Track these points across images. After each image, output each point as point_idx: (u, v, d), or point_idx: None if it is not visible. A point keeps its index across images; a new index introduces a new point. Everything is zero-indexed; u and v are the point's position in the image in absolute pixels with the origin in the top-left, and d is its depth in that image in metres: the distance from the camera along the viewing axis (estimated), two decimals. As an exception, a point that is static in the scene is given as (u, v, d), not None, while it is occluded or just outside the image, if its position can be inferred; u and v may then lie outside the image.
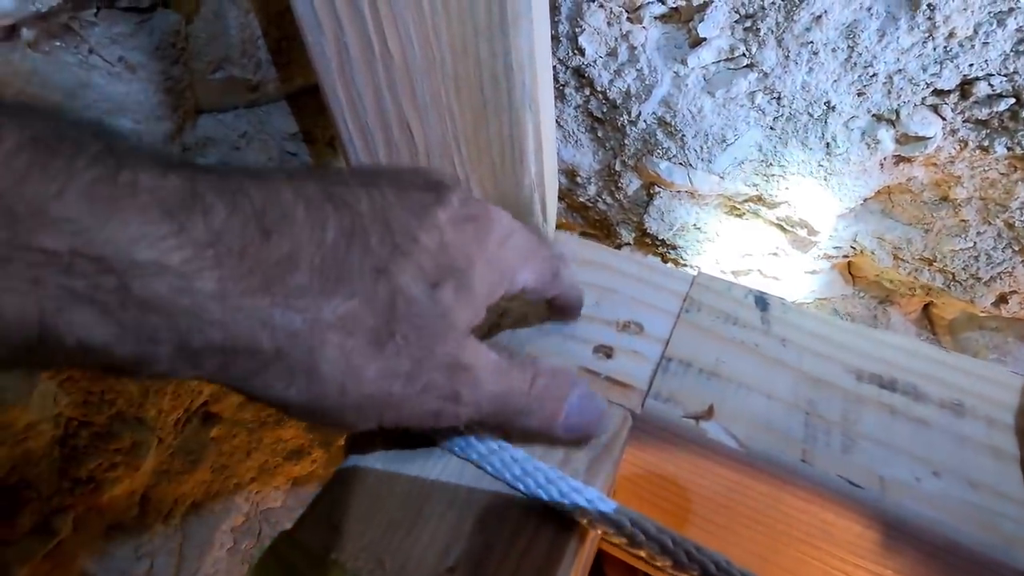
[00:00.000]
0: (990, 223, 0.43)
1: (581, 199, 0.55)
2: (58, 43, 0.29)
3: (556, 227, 0.51)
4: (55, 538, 0.39)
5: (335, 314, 0.18)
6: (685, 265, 0.55)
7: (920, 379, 0.28)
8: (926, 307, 0.58)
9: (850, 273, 0.57)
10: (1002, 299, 0.47)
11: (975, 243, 0.44)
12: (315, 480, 0.65)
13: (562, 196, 0.57)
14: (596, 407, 0.24)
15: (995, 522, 0.23)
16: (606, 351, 0.29)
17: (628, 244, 0.58)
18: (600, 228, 0.59)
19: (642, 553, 0.21)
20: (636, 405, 0.27)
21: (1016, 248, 0.43)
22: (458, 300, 0.21)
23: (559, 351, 0.29)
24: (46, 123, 0.15)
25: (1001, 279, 0.45)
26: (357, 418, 0.20)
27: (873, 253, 0.50)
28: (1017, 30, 0.33)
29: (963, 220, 0.44)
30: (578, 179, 0.53)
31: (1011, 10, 0.32)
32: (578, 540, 0.22)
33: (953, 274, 0.47)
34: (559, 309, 0.29)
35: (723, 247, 0.53)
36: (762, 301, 0.32)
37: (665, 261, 0.56)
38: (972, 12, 0.33)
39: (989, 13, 0.33)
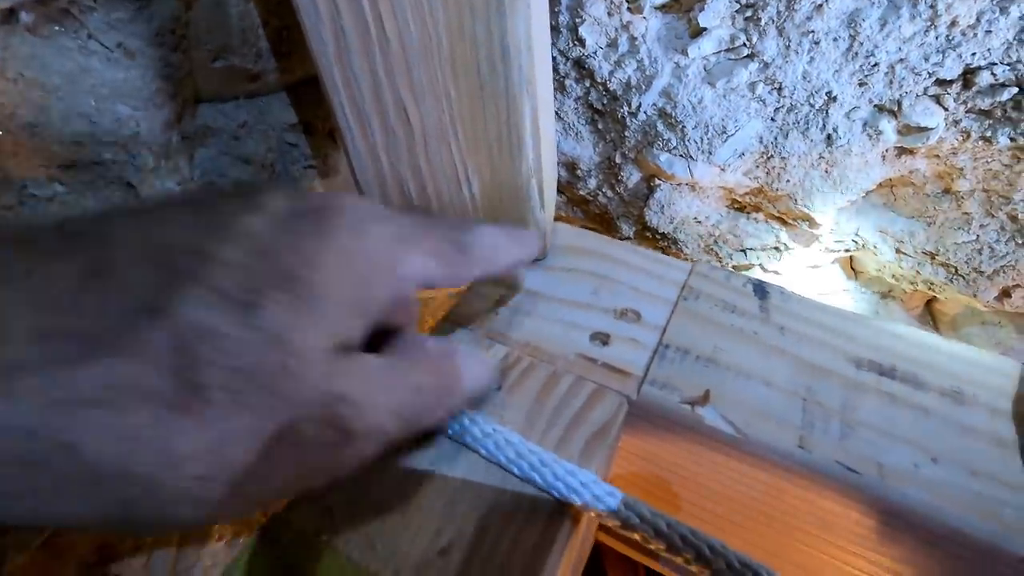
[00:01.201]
0: (993, 216, 0.42)
1: (581, 192, 0.55)
2: (57, 28, 0.29)
3: (556, 220, 0.51)
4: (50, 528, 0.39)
5: (96, 386, 0.13)
6: (686, 259, 0.55)
7: (920, 367, 0.27)
8: (928, 303, 0.57)
9: (852, 268, 0.56)
10: (1005, 293, 0.46)
11: (978, 236, 0.44)
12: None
13: (562, 190, 0.57)
14: (486, 366, 0.22)
15: (995, 509, 0.22)
16: (603, 338, 0.29)
17: (629, 238, 0.58)
18: (600, 222, 0.58)
19: (636, 536, 0.21)
20: (632, 391, 0.27)
21: (1020, 241, 0.42)
22: (297, 315, 0.15)
23: (556, 338, 0.29)
24: None
25: (1004, 272, 0.44)
26: (196, 513, 0.14)
27: (875, 247, 0.49)
28: (1020, 18, 0.33)
29: (966, 213, 0.43)
30: (578, 172, 0.53)
31: (1014, -3, 0.32)
32: (572, 523, 0.22)
33: (956, 268, 0.47)
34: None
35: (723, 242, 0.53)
36: (761, 289, 0.31)
37: (666, 255, 0.56)
38: (975, 0, 0.33)
39: (992, 1, 0.33)
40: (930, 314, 0.58)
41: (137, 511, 0.14)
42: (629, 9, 0.41)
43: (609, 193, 0.53)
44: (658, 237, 0.54)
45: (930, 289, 0.51)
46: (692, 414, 0.26)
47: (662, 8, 0.41)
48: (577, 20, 0.42)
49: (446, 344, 0.21)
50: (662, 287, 0.32)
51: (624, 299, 0.31)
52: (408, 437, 0.19)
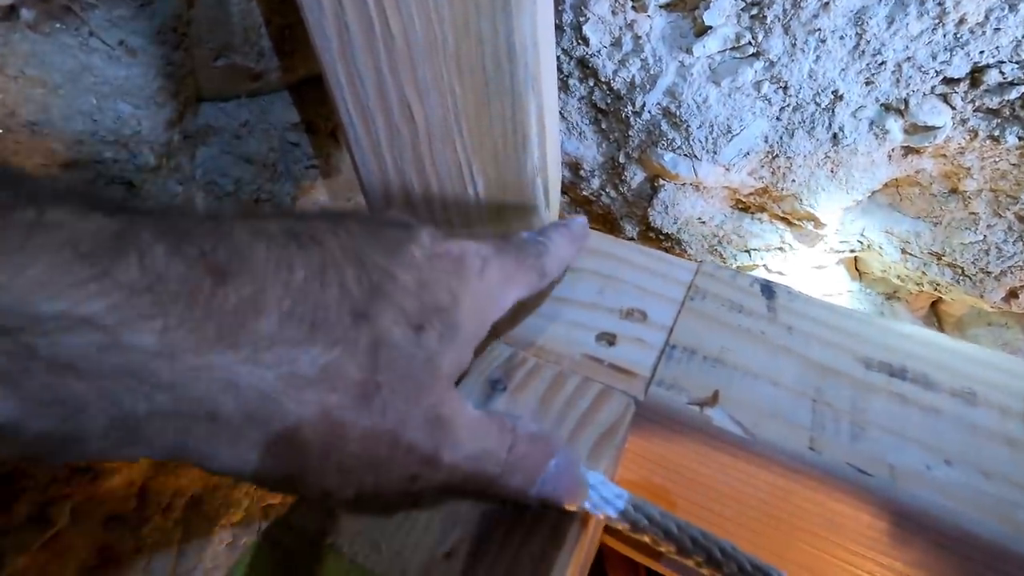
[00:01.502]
0: (1001, 216, 0.42)
1: (585, 193, 0.54)
2: (58, 24, 0.29)
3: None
4: (52, 528, 0.38)
5: (315, 367, 0.16)
6: (690, 259, 0.55)
7: (931, 367, 0.27)
8: (934, 304, 0.57)
9: (856, 269, 0.56)
10: (1012, 294, 0.46)
11: (985, 236, 0.43)
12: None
13: (565, 190, 0.56)
14: (573, 479, 0.21)
15: (1009, 511, 0.22)
16: (609, 338, 0.29)
17: (632, 239, 0.57)
18: (604, 223, 0.58)
19: (646, 539, 0.21)
20: (639, 392, 0.26)
21: (1027, 241, 0.42)
22: (443, 344, 0.19)
23: (563, 339, 0.29)
24: None
25: (1012, 273, 0.44)
26: (338, 485, 0.17)
27: (881, 247, 0.49)
28: (1029, 15, 0.32)
29: (973, 213, 0.43)
30: (582, 172, 0.52)
31: (1023, -5, 0.32)
32: (579, 527, 0.22)
33: (962, 268, 0.46)
34: None
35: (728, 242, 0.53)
36: (768, 289, 0.31)
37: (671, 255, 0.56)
38: (983, -3, 0.33)
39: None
40: (936, 315, 0.57)
41: (305, 476, 0.17)
42: (633, 8, 0.41)
43: (612, 193, 0.53)
44: (662, 237, 0.54)
45: (936, 290, 0.51)
46: (700, 415, 0.25)
47: (667, 6, 0.41)
48: (581, 19, 0.42)
49: (543, 437, 0.22)
50: (668, 287, 0.32)
51: (630, 299, 0.31)
52: (466, 492, 0.21)
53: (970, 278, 0.46)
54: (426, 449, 0.18)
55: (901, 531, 0.23)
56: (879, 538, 0.24)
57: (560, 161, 0.46)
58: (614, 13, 0.41)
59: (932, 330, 0.29)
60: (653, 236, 0.54)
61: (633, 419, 0.26)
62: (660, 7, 0.41)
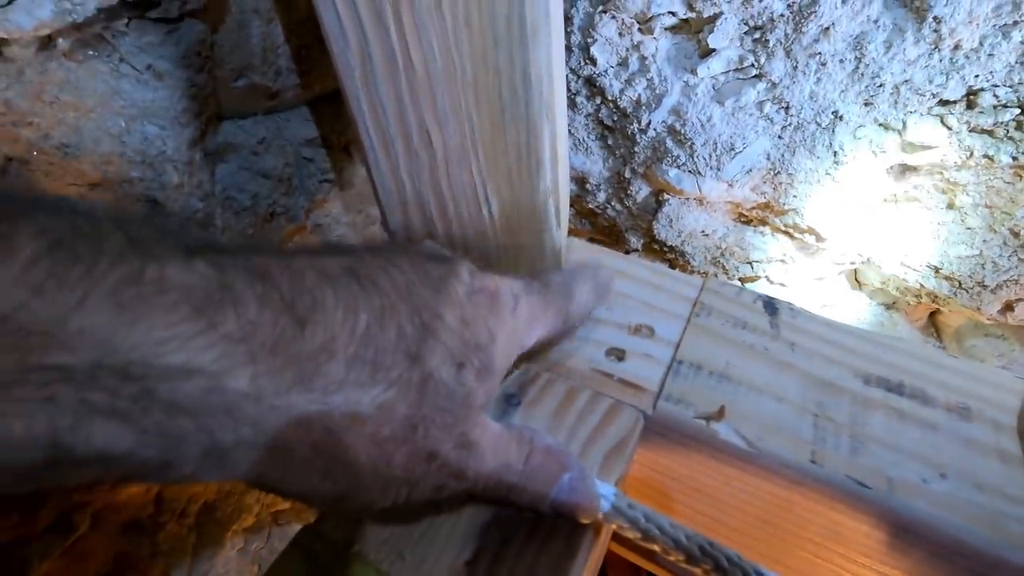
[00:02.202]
0: (996, 231, 0.43)
1: (590, 205, 0.56)
2: (91, 52, 0.30)
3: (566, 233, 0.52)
4: (74, 534, 0.40)
5: (373, 405, 0.18)
6: (693, 272, 0.56)
7: (928, 383, 0.28)
8: (932, 315, 0.58)
9: (856, 280, 0.57)
10: (1008, 307, 0.47)
11: (981, 251, 0.45)
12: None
13: (572, 203, 0.58)
14: (587, 491, 0.23)
15: (1001, 522, 0.23)
16: (618, 354, 0.30)
17: (636, 250, 0.58)
18: (609, 234, 0.59)
19: (656, 547, 0.22)
20: (648, 406, 0.28)
21: (1022, 256, 0.43)
22: (480, 380, 0.20)
23: (574, 354, 0.30)
24: (62, 221, 0.14)
25: (1007, 287, 0.45)
26: (380, 498, 0.19)
27: (880, 260, 0.50)
28: (1022, 42, 0.34)
29: (969, 228, 0.44)
30: (588, 186, 0.54)
31: (1016, 23, 0.33)
32: (592, 537, 0.23)
33: (959, 281, 0.47)
34: None
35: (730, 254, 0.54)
36: (771, 306, 0.32)
37: (673, 267, 0.57)
38: (977, 25, 0.34)
39: (994, 26, 0.34)
40: (934, 326, 0.58)
41: (357, 495, 0.18)
42: (640, 30, 0.42)
43: (618, 207, 0.54)
44: (666, 249, 0.55)
45: (934, 302, 0.52)
46: (707, 429, 0.26)
47: (672, 29, 0.42)
48: (589, 40, 0.43)
49: (557, 452, 0.23)
50: (674, 303, 0.33)
51: (637, 315, 0.32)
52: (487, 501, 0.22)
53: (967, 291, 0.48)
54: (455, 466, 0.20)
55: (898, 541, 0.24)
56: (877, 547, 0.25)
57: (569, 181, 0.47)
58: (621, 35, 0.43)
59: (929, 346, 0.30)
60: (657, 248, 0.56)
61: (642, 432, 0.27)
62: (666, 29, 0.42)
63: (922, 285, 0.50)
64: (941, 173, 0.42)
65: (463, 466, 0.20)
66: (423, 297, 0.19)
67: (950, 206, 0.44)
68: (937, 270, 0.48)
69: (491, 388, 0.21)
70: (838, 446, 0.26)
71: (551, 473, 0.22)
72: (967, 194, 0.42)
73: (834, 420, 0.27)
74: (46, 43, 0.29)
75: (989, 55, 0.35)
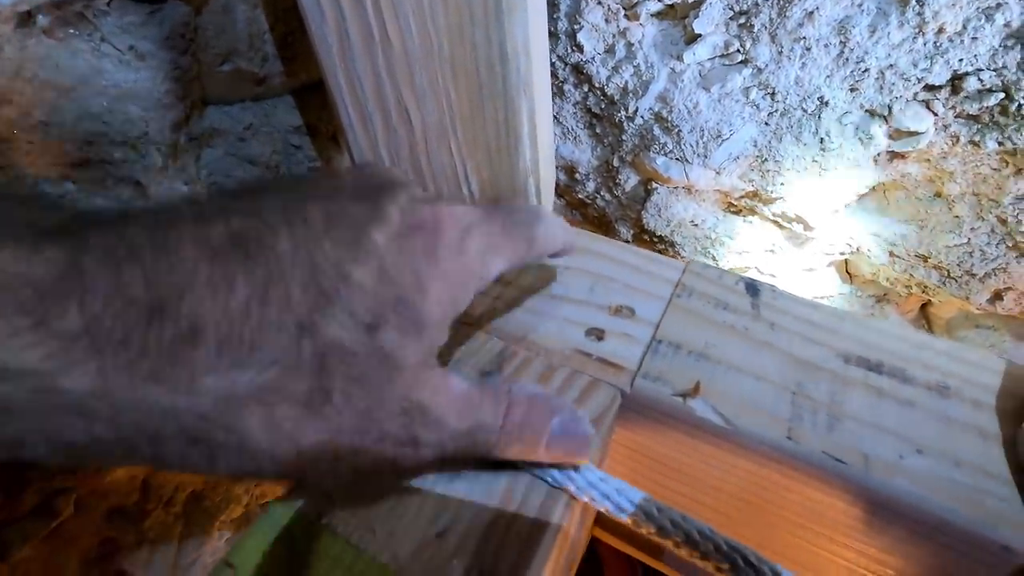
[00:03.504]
0: (983, 219, 0.43)
1: (580, 195, 0.56)
2: (72, 31, 0.30)
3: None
4: (56, 519, 0.39)
5: (252, 387, 0.16)
6: (683, 261, 0.56)
7: (907, 363, 0.28)
8: (923, 306, 0.58)
9: (847, 271, 0.57)
10: (997, 296, 0.47)
11: (969, 239, 0.44)
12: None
13: (561, 193, 0.57)
14: (581, 431, 0.22)
15: (978, 498, 0.23)
16: (598, 334, 0.30)
17: (627, 240, 0.58)
18: (599, 225, 0.59)
19: (628, 522, 0.22)
20: (626, 384, 0.27)
21: (1009, 244, 0.43)
22: (405, 336, 0.18)
23: (552, 334, 0.30)
24: None
25: (995, 275, 0.45)
26: (300, 476, 0.18)
27: (869, 250, 0.50)
28: (1005, 25, 0.34)
29: (957, 216, 0.44)
30: (577, 175, 0.54)
31: (999, 5, 0.33)
32: (565, 507, 0.23)
33: (948, 270, 0.47)
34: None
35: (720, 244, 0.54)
36: (752, 287, 0.32)
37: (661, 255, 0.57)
38: (960, 7, 0.34)
39: (977, 8, 0.34)
40: (925, 318, 0.58)
41: (263, 475, 0.17)
42: (626, 16, 0.42)
43: (607, 196, 0.54)
44: (655, 239, 0.55)
45: (924, 292, 0.52)
46: (683, 406, 0.26)
47: (658, 15, 0.42)
48: (575, 26, 0.43)
49: (540, 400, 0.22)
50: (656, 285, 0.33)
51: (619, 296, 0.32)
52: (469, 463, 0.22)
53: (956, 280, 0.47)
54: (400, 435, 0.19)
55: (876, 518, 0.24)
56: (855, 525, 0.24)
57: (553, 163, 0.47)
58: (607, 21, 0.43)
59: (910, 327, 0.30)
60: (647, 238, 0.56)
61: (620, 411, 0.27)
62: (652, 15, 0.42)
63: (911, 275, 0.50)
64: (928, 160, 0.42)
65: (414, 434, 0.19)
66: (327, 256, 0.17)
67: (937, 194, 0.44)
68: (926, 259, 0.48)
69: (430, 338, 0.19)
70: (815, 423, 0.25)
71: (538, 425, 0.21)
72: (954, 182, 0.42)
73: (812, 398, 0.26)
74: (26, 20, 0.29)
75: (973, 38, 0.35)
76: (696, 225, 0.53)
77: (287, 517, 0.23)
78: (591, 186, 0.54)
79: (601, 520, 0.33)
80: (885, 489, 0.24)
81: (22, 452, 0.14)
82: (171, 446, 0.16)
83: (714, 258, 0.55)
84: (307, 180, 0.20)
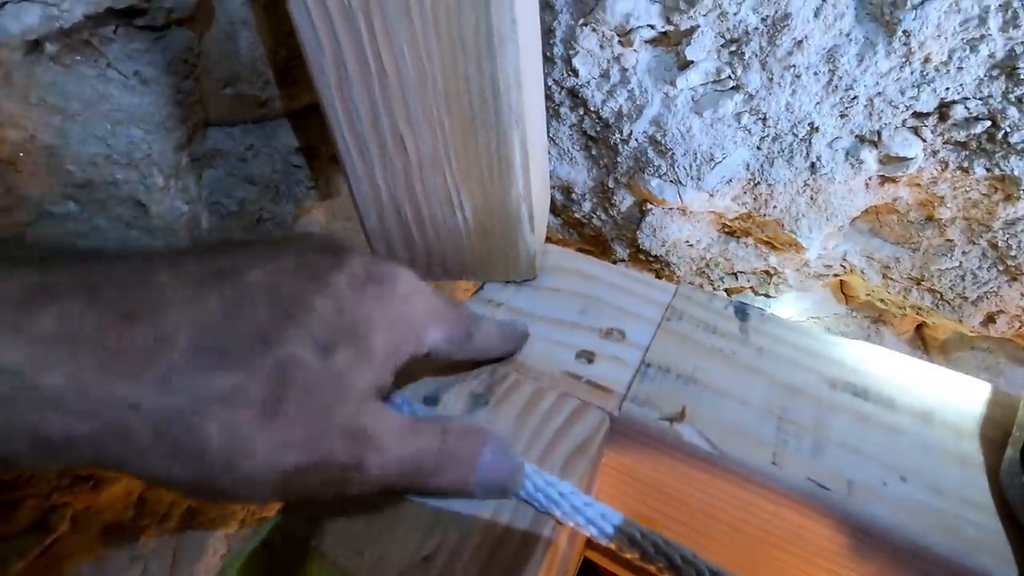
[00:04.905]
0: (974, 243, 0.43)
1: (576, 215, 0.56)
2: (78, 57, 0.31)
3: (553, 242, 0.53)
4: (51, 535, 0.40)
5: (217, 390, 0.17)
6: (679, 282, 0.56)
7: (893, 388, 0.28)
8: (919, 327, 0.58)
9: (843, 292, 0.57)
10: (990, 319, 0.47)
11: (961, 262, 0.45)
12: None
13: (558, 213, 0.58)
14: (510, 463, 0.23)
15: (960, 526, 0.23)
16: (588, 356, 0.30)
17: (623, 260, 0.59)
18: (595, 244, 0.60)
19: (612, 546, 0.22)
20: (614, 408, 0.28)
21: (1000, 268, 0.43)
22: (355, 363, 0.20)
23: (542, 356, 0.30)
24: None
25: (988, 298, 0.45)
26: (250, 492, 0.19)
27: (863, 271, 0.51)
28: (989, 56, 0.34)
29: (948, 239, 0.45)
30: (573, 196, 0.54)
31: (983, 37, 0.34)
32: (551, 531, 0.23)
33: (941, 293, 0.48)
34: (481, 362, 0.29)
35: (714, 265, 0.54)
36: (742, 311, 0.32)
37: (659, 278, 0.57)
38: (946, 39, 0.35)
39: (962, 40, 0.34)
40: (921, 339, 0.58)
41: (214, 483, 0.18)
42: (620, 42, 0.43)
43: (603, 216, 0.55)
44: (651, 259, 0.55)
45: (918, 314, 0.52)
46: (670, 430, 0.27)
47: (652, 41, 0.43)
48: (571, 52, 0.44)
49: (473, 429, 0.24)
50: (646, 308, 0.33)
51: (610, 319, 0.32)
52: (408, 489, 0.23)
53: (949, 303, 0.48)
54: (345, 457, 0.20)
55: (860, 544, 0.24)
56: (839, 551, 0.25)
57: (548, 187, 0.48)
58: (602, 47, 0.43)
59: (896, 352, 0.30)
60: (643, 258, 0.56)
61: (608, 434, 0.28)
62: (645, 42, 0.43)
63: (905, 297, 0.50)
64: (919, 185, 0.43)
65: (361, 457, 0.20)
66: (293, 287, 0.20)
67: (929, 218, 0.45)
68: (919, 282, 0.48)
69: (377, 374, 0.21)
70: (800, 449, 0.26)
71: (471, 449, 0.23)
72: (945, 206, 0.43)
73: (797, 423, 0.27)
74: (33, 47, 0.30)
75: (959, 68, 0.35)
76: (691, 245, 0.53)
77: (278, 537, 0.23)
78: (587, 206, 0.54)
79: (592, 542, 0.33)
80: (868, 515, 0.24)
81: (4, 447, 0.16)
82: (135, 444, 0.17)
83: (709, 278, 0.55)
84: (277, 238, 0.22)
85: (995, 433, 0.26)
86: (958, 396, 0.28)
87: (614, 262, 0.59)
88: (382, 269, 0.22)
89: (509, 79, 0.27)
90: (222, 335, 0.18)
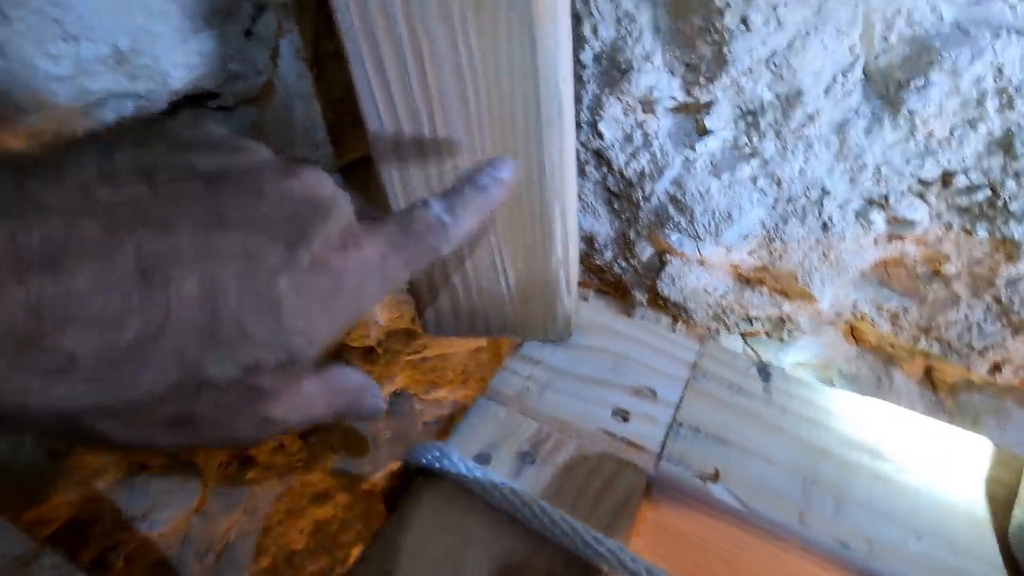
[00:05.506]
0: (979, 297, 0.46)
1: (598, 262, 0.59)
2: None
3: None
4: (108, 573, 0.42)
5: (119, 403, 0.16)
6: (696, 326, 0.59)
7: (905, 448, 0.31)
8: (928, 371, 0.60)
9: (853, 336, 0.60)
10: (996, 368, 0.50)
11: (967, 315, 0.47)
12: (337, 523, 0.67)
13: (581, 259, 0.61)
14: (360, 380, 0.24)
15: (973, 584, 0.25)
16: (623, 415, 0.33)
17: (642, 304, 0.62)
18: (615, 288, 0.63)
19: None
20: (650, 466, 0.30)
21: (1004, 322, 0.46)
22: (278, 374, 0.19)
23: (580, 414, 0.33)
24: None
25: (993, 350, 0.48)
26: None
27: (873, 320, 0.53)
28: (988, 133, 0.37)
29: (954, 293, 0.47)
30: (596, 245, 0.57)
31: (981, 117, 0.37)
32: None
33: (949, 343, 0.50)
34: None
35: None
36: (764, 372, 0.35)
37: (676, 322, 0.60)
38: (947, 117, 0.38)
39: (962, 119, 0.37)
40: (931, 382, 0.60)
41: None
42: (643, 110, 0.46)
43: (624, 264, 0.58)
44: (669, 305, 0.58)
45: (927, 360, 0.54)
46: (703, 489, 0.29)
47: (673, 110, 0.46)
48: (596, 117, 0.48)
49: (340, 371, 0.24)
50: (674, 366, 0.36)
51: (640, 377, 0.35)
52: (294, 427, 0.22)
53: (956, 352, 0.50)
54: (250, 432, 0.20)
55: (881, 599, 0.26)
56: (862, 605, 0.27)
57: (578, 249, 0.51)
58: (626, 114, 0.47)
59: (911, 411, 0.32)
60: (661, 304, 0.59)
61: (644, 491, 0.30)
62: (667, 110, 0.46)
63: (914, 344, 0.52)
64: (925, 243, 0.45)
65: (265, 427, 0.20)
66: (230, 307, 0.18)
67: (935, 273, 0.47)
68: (927, 332, 0.50)
69: (295, 373, 0.20)
70: (823, 508, 0.28)
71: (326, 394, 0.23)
72: (950, 263, 0.45)
73: (820, 483, 0.29)
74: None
75: (959, 143, 0.38)
76: (708, 292, 0.56)
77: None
78: (608, 255, 0.57)
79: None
80: (887, 573, 0.26)
81: None
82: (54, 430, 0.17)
83: (725, 324, 0.58)
84: (231, 178, 0.19)
85: (1000, 491, 0.29)
86: (963, 454, 0.30)
87: (633, 306, 0.62)
88: (335, 263, 0.20)
89: (554, 160, 0.30)
90: (136, 362, 0.16)
